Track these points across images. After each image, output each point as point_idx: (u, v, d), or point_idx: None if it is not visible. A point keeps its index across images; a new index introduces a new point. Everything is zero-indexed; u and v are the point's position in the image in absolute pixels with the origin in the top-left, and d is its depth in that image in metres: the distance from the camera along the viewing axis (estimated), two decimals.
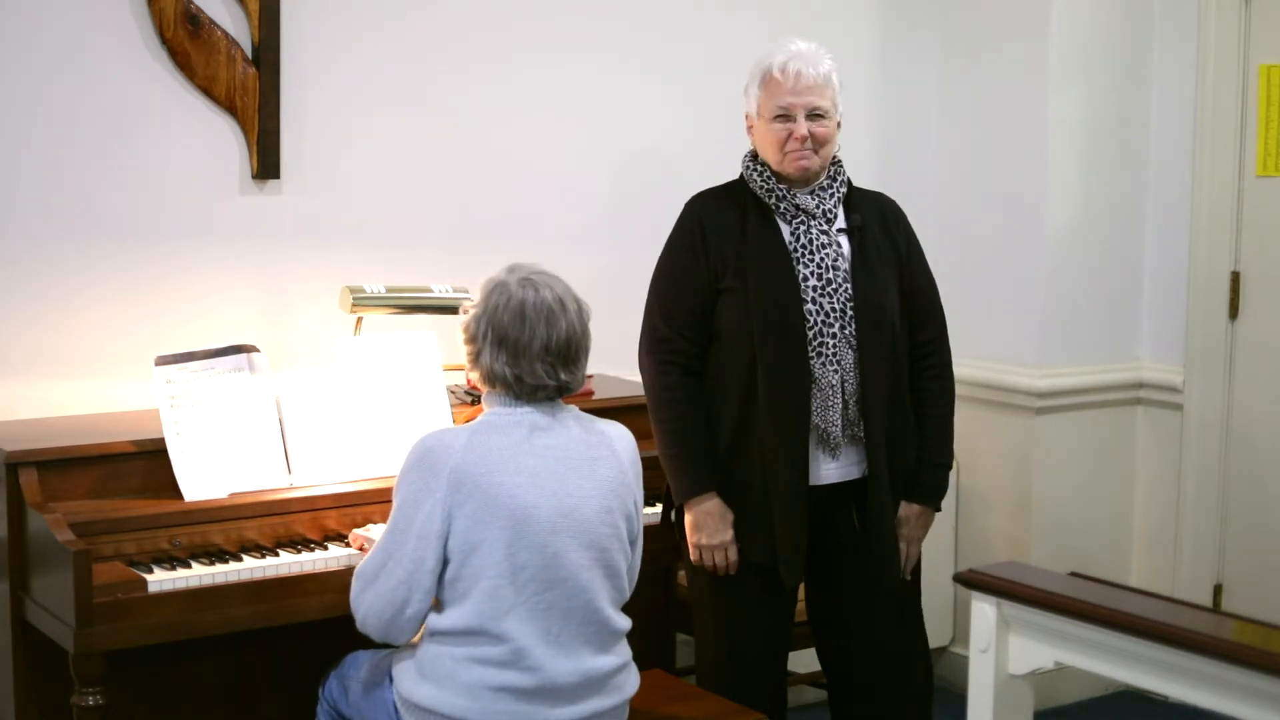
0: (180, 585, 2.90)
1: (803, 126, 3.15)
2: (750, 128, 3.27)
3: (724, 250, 3.19)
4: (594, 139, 4.11)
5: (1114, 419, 4.60)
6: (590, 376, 3.68)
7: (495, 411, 2.82)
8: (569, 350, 2.80)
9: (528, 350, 2.76)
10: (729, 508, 3.21)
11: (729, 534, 3.20)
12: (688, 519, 3.23)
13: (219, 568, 2.96)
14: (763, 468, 3.16)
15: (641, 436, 3.02)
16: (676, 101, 4.24)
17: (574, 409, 2.89)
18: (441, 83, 3.86)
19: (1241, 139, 4.36)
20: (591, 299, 2.92)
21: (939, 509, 3.34)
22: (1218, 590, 4.49)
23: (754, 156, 3.26)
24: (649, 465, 3.07)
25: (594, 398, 3.63)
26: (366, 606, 2.78)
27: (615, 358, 4.03)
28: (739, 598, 3.25)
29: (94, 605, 2.78)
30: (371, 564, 2.78)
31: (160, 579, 2.89)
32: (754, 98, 3.24)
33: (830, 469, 3.19)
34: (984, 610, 2.84)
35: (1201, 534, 4.50)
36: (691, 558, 3.26)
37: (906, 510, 3.28)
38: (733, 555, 3.21)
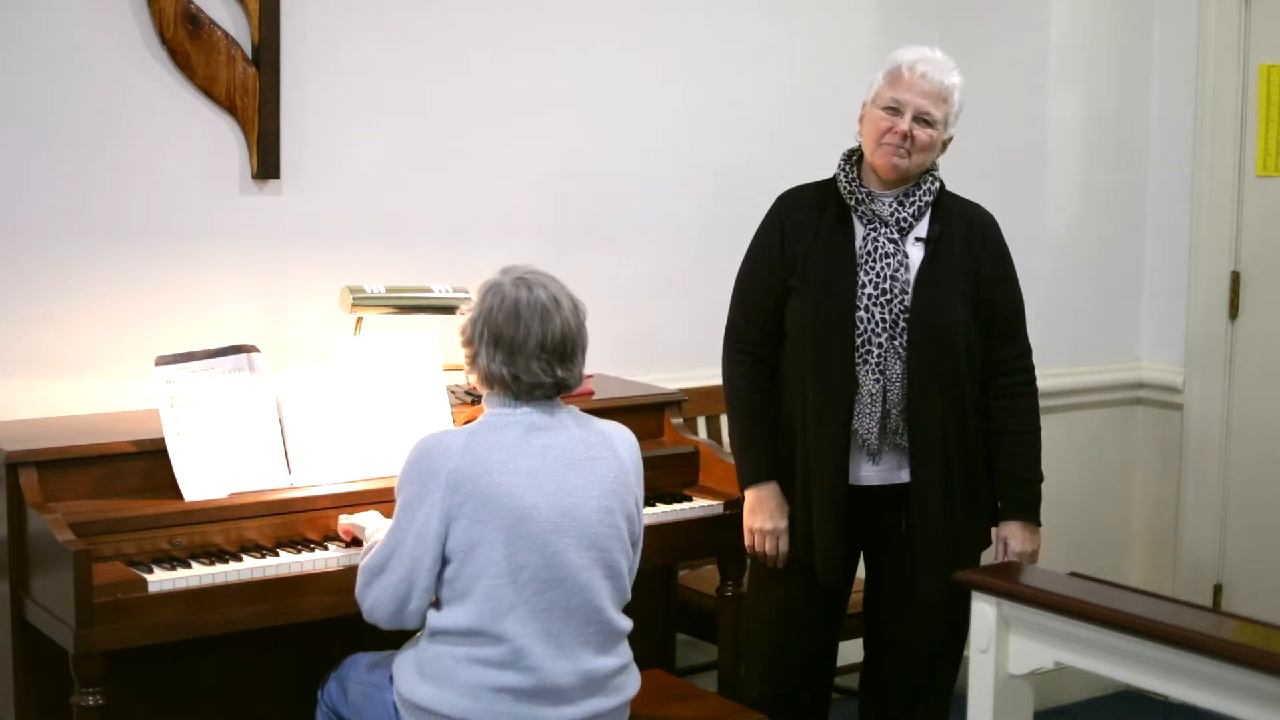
0: (180, 585, 2.89)
1: (906, 123, 3.15)
2: (862, 117, 3.26)
3: (797, 249, 3.23)
4: (594, 139, 4.11)
5: (1114, 419, 4.60)
6: (590, 376, 3.68)
7: (494, 412, 2.82)
8: (564, 347, 2.80)
9: (523, 348, 2.77)
10: (786, 500, 3.27)
11: (783, 523, 3.26)
12: (746, 503, 3.30)
13: (219, 568, 2.96)
14: (806, 464, 3.20)
15: (642, 437, 3.02)
16: (677, 101, 4.24)
17: (573, 409, 2.89)
18: (442, 83, 3.86)
19: (1241, 139, 4.36)
20: (590, 299, 2.92)
21: (1039, 523, 3.32)
22: (1218, 590, 4.49)
23: (848, 156, 3.27)
24: (650, 466, 3.07)
25: (594, 398, 3.63)
26: (373, 599, 2.80)
27: (615, 358, 4.03)
28: (796, 587, 3.29)
29: (94, 605, 2.78)
30: (376, 560, 2.80)
31: (160, 579, 2.89)
32: (875, 86, 3.23)
33: (870, 472, 3.21)
34: (984, 610, 2.84)
35: (1201, 534, 4.50)
36: (745, 543, 3.31)
37: (1007, 529, 3.29)
38: (783, 546, 3.26)
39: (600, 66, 4.11)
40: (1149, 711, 4.47)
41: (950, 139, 3.25)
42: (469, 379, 2.90)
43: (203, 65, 3.51)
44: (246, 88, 3.56)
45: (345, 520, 3.14)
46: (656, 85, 4.21)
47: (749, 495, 3.29)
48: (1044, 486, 4.41)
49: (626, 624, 2.88)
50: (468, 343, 2.84)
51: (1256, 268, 4.39)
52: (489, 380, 2.82)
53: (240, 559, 3.02)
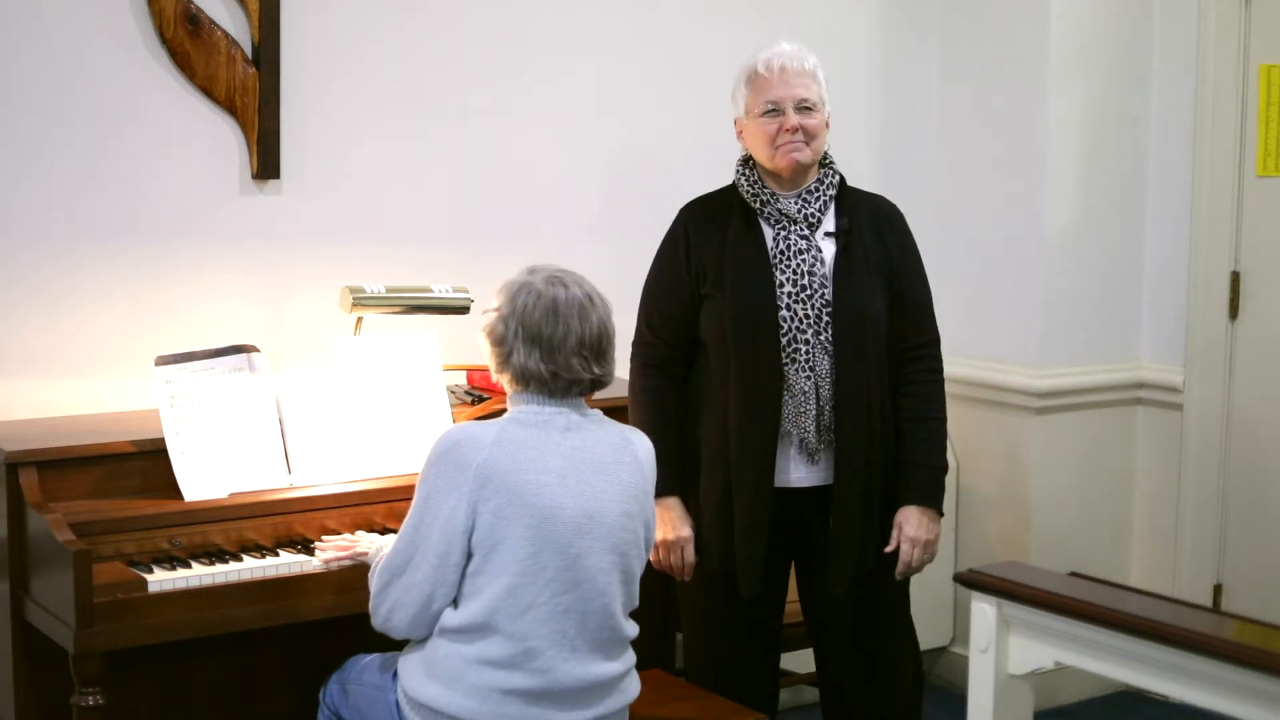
0: (180, 585, 2.89)
1: (792, 118, 3.16)
2: (740, 132, 3.27)
3: (705, 258, 3.22)
4: (593, 139, 4.11)
5: (1114, 419, 4.59)
6: None
7: (524, 409, 2.81)
8: (600, 344, 2.81)
9: (563, 346, 2.76)
10: (689, 513, 3.24)
11: (686, 531, 3.22)
12: None
13: (219, 568, 2.96)
14: (728, 474, 3.17)
15: None
16: (676, 103, 4.24)
17: (599, 412, 2.89)
18: (441, 82, 3.86)
19: (1241, 139, 4.36)
20: None
21: (941, 512, 3.28)
22: (1218, 590, 4.49)
23: (744, 161, 3.27)
24: None
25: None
26: (393, 601, 2.77)
27: (616, 358, 4.03)
28: (722, 599, 3.26)
29: (94, 605, 2.78)
30: (396, 559, 2.77)
31: (160, 579, 2.89)
32: (741, 99, 3.25)
33: (805, 473, 3.19)
34: (984, 610, 2.85)
35: (1201, 534, 4.50)
36: (650, 558, 3.19)
37: (903, 514, 3.23)
38: (689, 556, 3.22)
39: (602, 67, 4.11)
40: (1149, 711, 4.47)
41: (829, 115, 3.25)
42: (497, 378, 2.87)
43: (203, 65, 3.51)
44: (246, 88, 3.56)
45: (327, 554, 3.06)
46: (658, 86, 4.21)
47: None
48: (1043, 486, 4.46)
49: (634, 630, 2.88)
50: (498, 341, 2.81)
51: (1256, 268, 4.39)
52: (524, 378, 2.80)
53: (240, 559, 3.02)
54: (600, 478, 2.79)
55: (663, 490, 3.17)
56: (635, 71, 4.17)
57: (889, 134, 4.61)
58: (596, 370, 2.81)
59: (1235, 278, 4.41)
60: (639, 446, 2.89)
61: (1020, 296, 4.48)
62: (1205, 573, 4.50)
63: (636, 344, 3.31)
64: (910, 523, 3.22)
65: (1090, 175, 4.48)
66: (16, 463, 2.97)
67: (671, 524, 3.23)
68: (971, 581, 2.87)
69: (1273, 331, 4.37)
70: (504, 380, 2.85)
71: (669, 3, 4.22)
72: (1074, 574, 3.00)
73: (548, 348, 2.76)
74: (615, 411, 3.21)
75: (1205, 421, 4.47)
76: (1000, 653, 2.83)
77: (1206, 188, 4.41)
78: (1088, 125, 4.45)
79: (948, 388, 3.38)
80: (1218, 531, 4.48)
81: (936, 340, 3.33)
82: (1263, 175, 4.34)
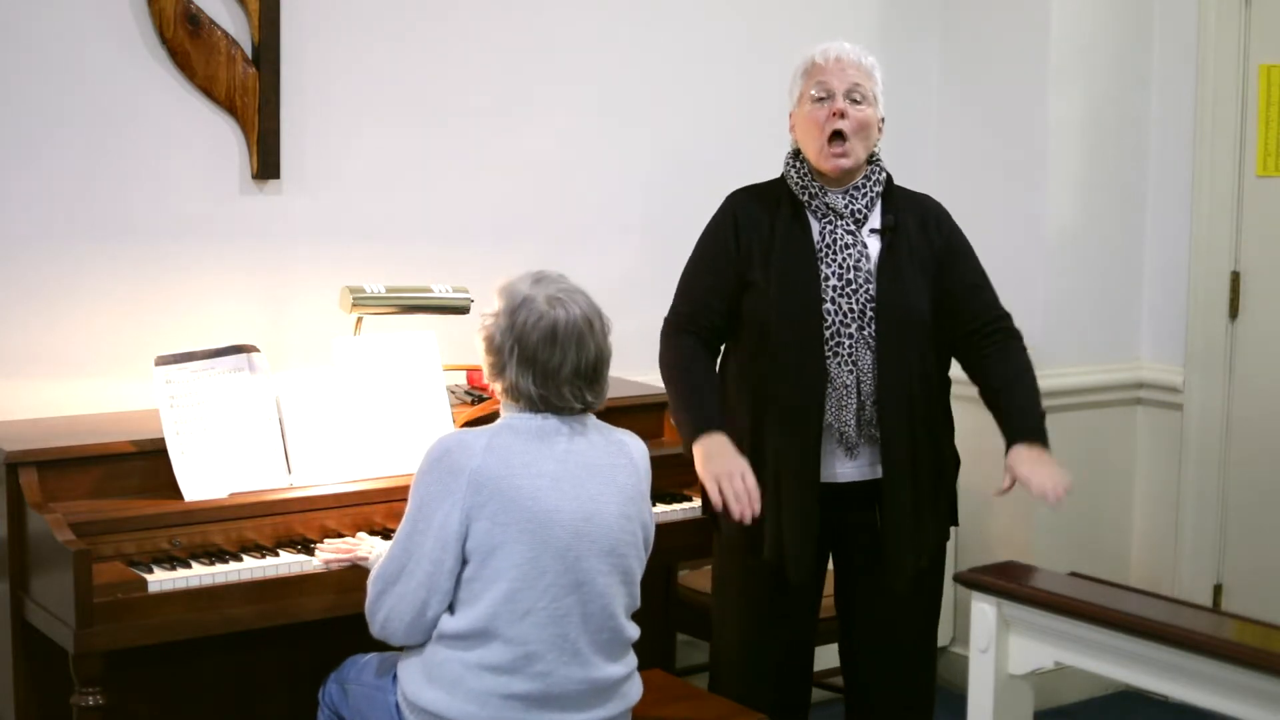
0: (180, 585, 2.89)
1: (840, 100, 3.13)
2: (792, 126, 3.25)
3: (753, 245, 3.20)
4: (595, 138, 4.11)
5: (1114, 419, 4.60)
6: None
7: (517, 416, 2.80)
8: (595, 372, 2.80)
9: (557, 374, 2.75)
10: None
11: (743, 461, 3.07)
12: (698, 454, 3.10)
13: (219, 568, 2.96)
14: (775, 464, 3.15)
15: (641, 437, 3.01)
16: (676, 102, 4.24)
17: (592, 417, 2.88)
18: (442, 82, 3.86)
19: (1241, 139, 4.36)
20: None
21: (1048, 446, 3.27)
22: (1218, 590, 4.49)
23: (795, 154, 3.26)
24: (656, 465, 3.05)
25: None
26: (388, 609, 2.77)
27: (614, 358, 4.03)
28: (762, 593, 3.24)
29: (94, 605, 2.78)
30: (390, 566, 2.77)
31: (160, 579, 2.89)
32: (795, 90, 3.23)
33: (847, 468, 3.18)
34: (984, 610, 2.85)
35: (1201, 534, 4.50)
36: (711, 497, 3.08)
37: (1015, 453, 3.22)
38: (750, 480, 3.04)
39: (601, 66, 4.11)
40: (1149, 711, 4.47)
41: (883, 120, 3.23)
42: (490, 386, 2.86)
43: (203, 65, 3.51)
44: (246, 88, 3.56)
45: (327, 556, 3.06)
46: (658, 85, 4.21)
47: (698, 448, 3.08)
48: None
49: (635, 632, 2.87)
50: (494, 352, 2.80)
51: (1256, 268, 4.39)
52: (515, 394, 2.79)
53: (240, 559, 3.02)
54: (595, 480, 2.78)
55: (705, 426, 3.09)
56: (636, 71, 4.17)
57: (889, 134, 4.58)
58: (589, 398, 2.81)
59: (1235, 278, 4.41)
60: (633, 449, 2.89)
61: (1020, 296, 4.46)
62: (1205, 573, 4.50)
63: (672, 315, 3.26)
64: (1024, 457, 3.25)
65: (1090, 175, 4.48)
66: (16, 463, 2.97)
67: (722, 455, 3.06)
68: (971, 581, 2.88)
69: (1273, 331, 4.37)
70: (496, 388, 2.85)
71: (670, 2, 4.22)
72: (1074, 574, 3.00)
73: (542, 373, 2.75)
74: (613, 413, 3.21)
75: (1205, 421, 4.47)
76: (1000, 653, 2.84)
77: (1206, 188, 4.42)
78: (1088, 125, 4.46)
79: (951, 388, 3.37)
80: (1218, 531, 4.49)
81: (1008, 315, 3.29)
82: (1263, 175, 4.35)
